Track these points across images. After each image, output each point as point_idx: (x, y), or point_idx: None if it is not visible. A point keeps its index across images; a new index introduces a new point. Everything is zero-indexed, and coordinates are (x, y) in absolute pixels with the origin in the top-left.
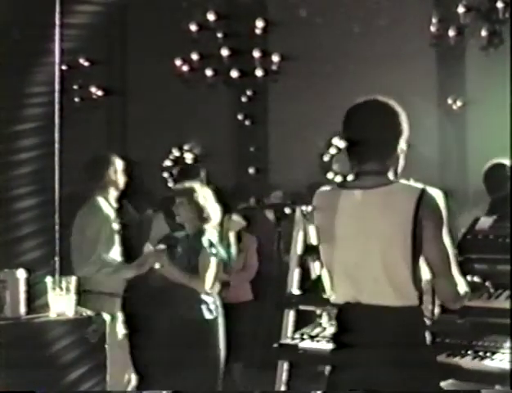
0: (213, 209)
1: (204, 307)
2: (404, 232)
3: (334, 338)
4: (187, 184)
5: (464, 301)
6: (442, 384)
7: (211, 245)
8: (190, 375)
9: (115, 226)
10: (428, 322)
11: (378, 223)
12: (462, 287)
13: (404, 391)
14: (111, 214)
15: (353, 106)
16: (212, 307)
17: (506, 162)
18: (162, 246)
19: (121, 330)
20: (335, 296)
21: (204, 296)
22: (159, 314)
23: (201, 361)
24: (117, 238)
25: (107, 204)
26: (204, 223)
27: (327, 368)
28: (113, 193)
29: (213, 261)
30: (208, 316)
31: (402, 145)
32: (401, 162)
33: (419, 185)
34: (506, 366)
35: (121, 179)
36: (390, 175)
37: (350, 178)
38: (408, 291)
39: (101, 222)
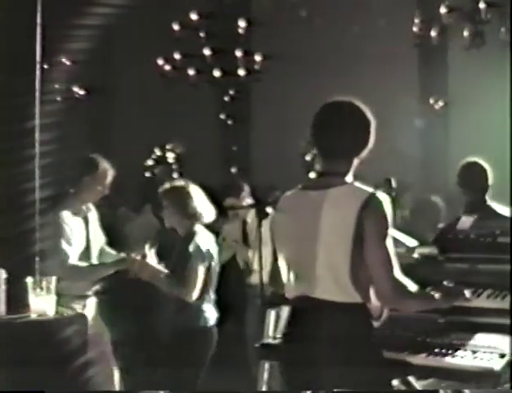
0: (202, 206)
1: (200, 315)
2: (346, 232)
3: (286, 333)
4: (169, 185)
5: (411, 304)
6: (424, 383)
7: (199, 249)
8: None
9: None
10: (375, 323)
11: (324, 222)
12: (406, 290)
13: (350, 389)
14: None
15: (329, 103)
16: (208, 315)
17: (480, 161)
18: (150, 258)
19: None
20: (288, 291)
21: (203, 304)
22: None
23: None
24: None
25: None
26: (195, 224)
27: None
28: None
29: (202, 269)
30: (204, 324)
31: (366, 152)
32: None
33: (370, 189)
34: (487, 365)
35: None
36: (348, 177)
37: (314, 176)
38: (348, 289)
39: None
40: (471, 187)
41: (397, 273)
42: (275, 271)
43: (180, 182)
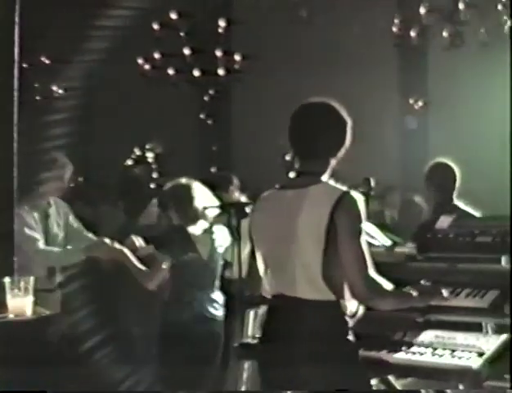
0: (206, 203)
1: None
2: (319, 230)
3: (263, 332)
4: (171, 183)
5: (385, 302)
6: (403, 382)
7: (171, 244)
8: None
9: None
10: (349, 320)
11: (298, 220)
12: (380, 288)
13: (327, 388)
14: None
15: (305, 104)
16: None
17: (448, 162)
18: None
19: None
20: (265, 290)
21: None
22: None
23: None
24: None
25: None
26: (196, 222)
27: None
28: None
29: (165, 263)
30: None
31: (342, 152)
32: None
33: (343, 188)
34: (466, 363)
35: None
36: (324, 177)
37: (293, 176)
38: (320, 287)
39: None
40: (439, 187)
41: (371, 271)
42: (253, 270)
43: (183, 181)
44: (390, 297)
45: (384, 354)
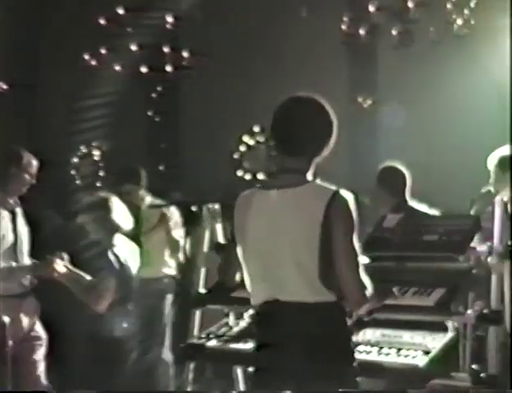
0: (122, 217)
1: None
2: (312, 231)
3: (256, 339)
4: (90, 198)
5: (369, 305)
6: None
7: (112, 261)
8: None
9: None
10: (349, 320)
11: (289, 222)
12: (368, 290)
13: (326, 390)
14: None
15: (292, 97)
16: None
17: (396, 165)
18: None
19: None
20: (254, 297)
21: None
22: None
23: None
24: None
25: None
26: (115, 235)
27: (250, 370)
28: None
29: (112, 282)
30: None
31: (327, 151)
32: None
33: (333, 187)
34: (412, 361)
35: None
36: (308, 175)
37: (270, 175)
38: (319, 288)
39: None
40: (390, 189)
41: (362, 273)
42: (230, 267)
43: (101, 195)
44: (372, 301)
45: None
